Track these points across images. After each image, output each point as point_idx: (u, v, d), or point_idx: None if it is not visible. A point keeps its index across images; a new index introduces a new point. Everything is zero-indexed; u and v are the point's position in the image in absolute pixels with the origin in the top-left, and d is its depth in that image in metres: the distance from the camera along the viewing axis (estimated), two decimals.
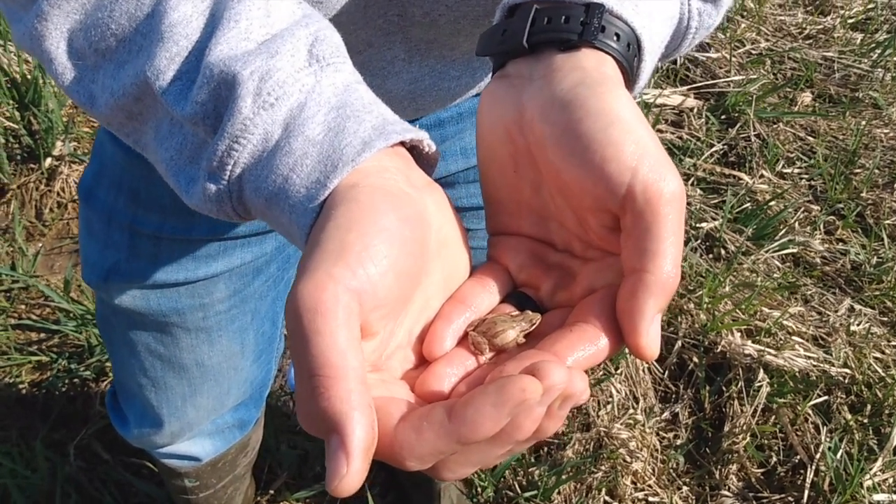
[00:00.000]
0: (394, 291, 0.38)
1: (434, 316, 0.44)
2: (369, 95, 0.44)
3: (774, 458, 1.57)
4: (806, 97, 2.32)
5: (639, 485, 1.51)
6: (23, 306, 1.68)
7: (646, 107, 2.15)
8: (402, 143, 0.43)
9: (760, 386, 1.60)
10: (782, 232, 1.93)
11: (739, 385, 1.61)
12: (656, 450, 1.56)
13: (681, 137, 2.15)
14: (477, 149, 0.47)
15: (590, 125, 0.40)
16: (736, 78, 2.30)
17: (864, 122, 2.25)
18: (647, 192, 0.39)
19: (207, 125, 0.42)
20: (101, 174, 0.76)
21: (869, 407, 1.62)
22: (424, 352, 0.43)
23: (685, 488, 1.52)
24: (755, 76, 2.33)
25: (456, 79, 0.67)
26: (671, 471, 1.55)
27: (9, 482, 1.36)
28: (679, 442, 1.58)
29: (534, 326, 0.44)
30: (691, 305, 1.74)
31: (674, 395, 1.65)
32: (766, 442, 1.59)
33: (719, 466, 1.54)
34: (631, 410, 1.59)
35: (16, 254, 1.74)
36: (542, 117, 0.42)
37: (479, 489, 1.51)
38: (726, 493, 1.52)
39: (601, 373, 1.65)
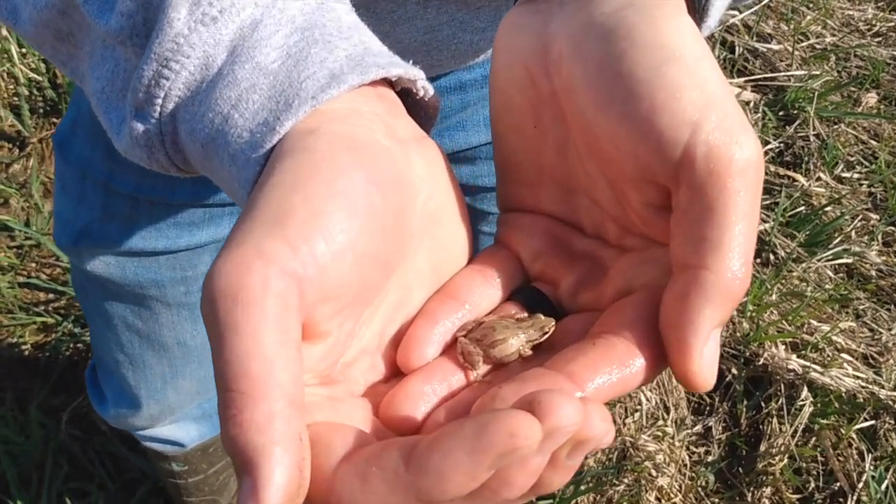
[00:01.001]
0: (354, 278, 0.29)
1: (415, 313, 0.34)
2: (350, 18, 0.34)
3: (812, 484, 1.49)
4: (871, 98, 2.19)
5: (663, 501, 1.44)
6: (33, 264, 1.63)
7: None
8: (389, 83, 0.34)
9: (803, 405, 1.52)
10: (837, 240, 1.83)
11: (780, 402, 1.54)
12: (685, 465, 1.48)
13: None
14: (490, 96, 0.37)
15: (637, 61, 0.31)
16: (797, 73, 2.19)
17: None
18: (713, 156, 0.29)
19: (136, 45, 0.33)
20: (77, 123, 0.68)
21: None
22: (399, 361, 0.33)
23: None
24: (818, 72, 2.21)
25: (480, 31, 0.57)
26: (699, 489, 1.48)
27: None
28: (710, 459, 1.50)
29: (546, 336, 0.34)
30: (734, 312, 1.63)
31: (708, 408, 1.58)
32: (804, 465, 1.51)
33: (752, 488, 1.47)
34: (660, 421, 1.51)
35: (31, 209, 1.69)
36: (573, 51, 0.32)
37: None
38: None
39: None
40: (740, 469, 1.50)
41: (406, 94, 0.36)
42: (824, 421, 1.52)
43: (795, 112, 2.11)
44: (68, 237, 0.71)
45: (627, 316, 0.31)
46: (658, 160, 0.30)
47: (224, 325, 0.25)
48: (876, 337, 1.66)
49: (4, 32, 1.79)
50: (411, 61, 0.35)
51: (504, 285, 0.36)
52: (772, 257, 1.78)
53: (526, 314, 0.36)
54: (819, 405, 1.53)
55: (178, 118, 0.33)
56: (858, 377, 1.56)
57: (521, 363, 0.34)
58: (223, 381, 0.25)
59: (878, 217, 1.91)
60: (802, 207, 1.89)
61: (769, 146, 2.04)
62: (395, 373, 0.34)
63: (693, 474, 1.48)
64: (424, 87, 0.35)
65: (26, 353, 1.51)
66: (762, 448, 1.49)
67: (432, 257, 0.34)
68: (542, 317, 0.35)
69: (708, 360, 0.30)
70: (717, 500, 1.45)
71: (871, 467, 1.47)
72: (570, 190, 0.37)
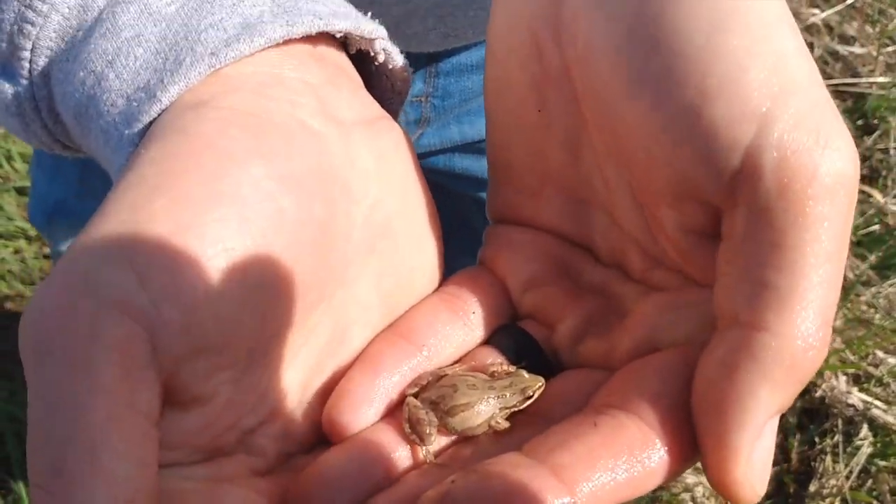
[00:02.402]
0: (247, 318, 0.22)
1: (352, 359, 0.26)
2: None
3: None
4: None
5: None
6: None
7: None
8: (336, 40, 0.26)
9: (861, 443, 1.44)
10: None
11: (836, 438, 1.46)
12: (726, 501, 1.38)
13: None
14: (485, 68, 0.29)
15: (681, 24, 0.22)
16: (880, 79, 2.07)
17: None
18: (787, 167, 0.21)
19: None
20: None
21: None
22: (324, 423, 0.25)
23: None
24: None
25: None
26: None
27: (5, 426, 1.27)
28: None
29: (529, 402, 0.25)
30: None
31: None
32: None
33: None
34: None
35: None
36: (593, 8, 0.24)
37: None
38: None
39: None
40: None
41: (365, 58, 0.27)
42: (884, 463, 1.43)
43: (876, 122, 1.99)
44: (42, 214, 0.65)
45: (648, 384, 0.23)
46: (706, 169, 0.22)
47: (33, 390, 0.18)
48: None
49: None
50: (421, 29, 0.26)
51: (481, 323, 0.27)
52: None
53: (505, 366, 0.26)
54: (879, 445, 1.44)
55: (52, 78, 0.25)
56: None
57: (492, 439, 0.25)
58: (31, 470, 0.18)
59: None
60: (876, 226, 1.79)
61: None
62: (321, 439, 0.25)
63: None
64: (386, 51, 0.26)
65: None
66: (812, 488, 1.42)
67: (381, 284, 0.26)
68: (526, 374, 0.26)
69: (758, 465, 0.22)
70: None
71: None
72: (582, 201, 0.28)
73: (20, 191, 1.57)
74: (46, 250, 1.56)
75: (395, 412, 0.25)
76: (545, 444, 0.22)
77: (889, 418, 1.45)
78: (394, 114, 0.29)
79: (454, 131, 0.61)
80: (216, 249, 0.21)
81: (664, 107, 0.23)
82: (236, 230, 0.21)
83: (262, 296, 0.22)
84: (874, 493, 1.41)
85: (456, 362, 0.27)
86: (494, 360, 0.27)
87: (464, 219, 0.61)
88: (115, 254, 0.20)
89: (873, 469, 1.43)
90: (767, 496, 1.40)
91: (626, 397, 0.23)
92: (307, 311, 0.24)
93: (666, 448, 0.22)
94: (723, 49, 0.22)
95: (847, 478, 1.41)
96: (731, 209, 0.22)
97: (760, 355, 0.21)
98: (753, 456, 0.22)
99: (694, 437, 0.22)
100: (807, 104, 0.21)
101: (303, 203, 0.22)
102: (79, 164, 0.62)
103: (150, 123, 0.23)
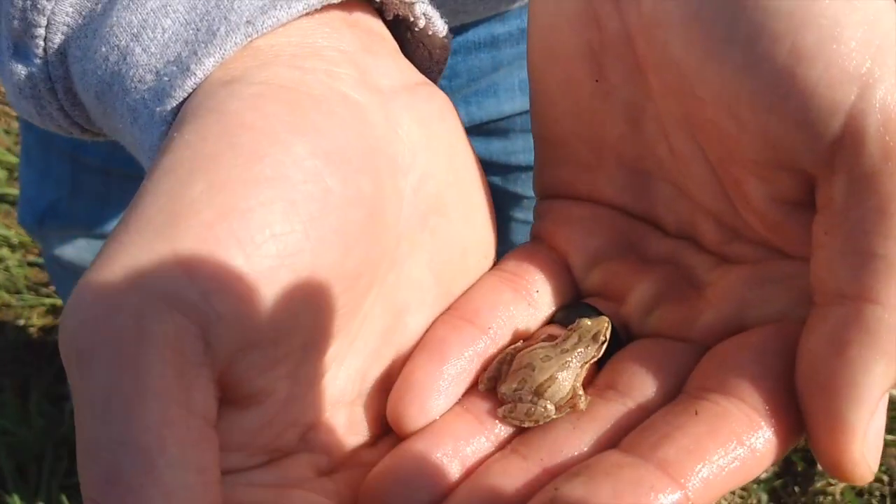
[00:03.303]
0: (299, 307, 0.20)
1: (412, 345, 0.24)
2: None
3: None
4: None
5: None
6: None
7: None
8: (373, 8, 0.25)
9: None
10: None
11: None
12: None
13: None
14: (528, 38, 0.27)
15: None
16: None
17: None
18: (892, 129, 0.20)
19: None
20: None
21: None
22: (389, 415, 0.23)
23: None
24: None
25: None
26: None
27: None
28: (764, 476, 1.38)
29: (605, 347, 0.24)
30: None
31: None
32: (867, 486, 1.37)
33: None
34: None
35: None
36: None
37: None
38: None
39: None
40: (796, 488, 1.40)
41: (401, 25, 0.25)
42: (890, 437, 1.40)
43: None
44: (32, 216, 0.62)
45: (746, 365, 0.22)
46: (802, 136, 0.20)
47: (80, 397, 0.17)
48: None
49: None
50: (427, 2, 0.25)
51: (546, 301, 0.26)
52: None
53: (572, 334, 0.25)
54: (887, 419, 1.44)
55: (69, 56, 0.23)
56: None
57: (576, 423, 0.23)
58: (84, 482, 0.17)
59: None
60: None
61: None
62: (385, 430, 0.23)
63: (744, 492, 1.39)
64: (426, 15, 0.24)
65: (32, 335, 1.46)
66: (820, 466, 1.41)
67: (434, 262, 0.24)
68: (587, 320, 0.24)
69: (874, 443, 0.21)
70: None
71: None
72: (644, 173, 0.26)
73: (1, 198, 1.54)
74: (31, 258, 1.53)
75: (463, 400, 0.23)
76: (647, 438, 0.21)
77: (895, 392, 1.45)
78: (434, 82, 0.27)
79: (461, 113, 0.59)
80: (264, 236, 0.19)
81: (754, 70, 0.21)
82: (283, 214, 0.19)
83: (314, 283, 0.20)
84: (882, 468, 1.40)
85: (525, 341, 0.25)
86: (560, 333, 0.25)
87: None
88: (157, 245, 0.18)
89: (884, 444, 1.44)
90: (775, 474, 1.39)
91: (724, 380, 0.22)
92: (361, 295, 0.22)
93: (772, 430, 0.21)
94: (818, 5, 0.20)
95: None
96: (828, 177, 0.21)
97: (873, 329, 0.20)
98: (869, 433, 0.21)
99: (798, 417, 0.22)
100: None
101: (349, 180, 0.21)
102: (69, 165, 0.59)
103: (184, 101, 0.21)
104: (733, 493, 1.37)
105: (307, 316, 0.20)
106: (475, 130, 0.60)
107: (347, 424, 0.23)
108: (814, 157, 0.21)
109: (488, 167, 0.63)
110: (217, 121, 0.20)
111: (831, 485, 1.37)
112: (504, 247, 0.46)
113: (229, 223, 0.18)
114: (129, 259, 0.18)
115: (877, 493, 1.39)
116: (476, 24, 0.53)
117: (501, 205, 0.61)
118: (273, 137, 0.20)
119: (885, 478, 1.41)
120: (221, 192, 0.19)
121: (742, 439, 0.21)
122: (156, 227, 0.18)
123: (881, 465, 1.41)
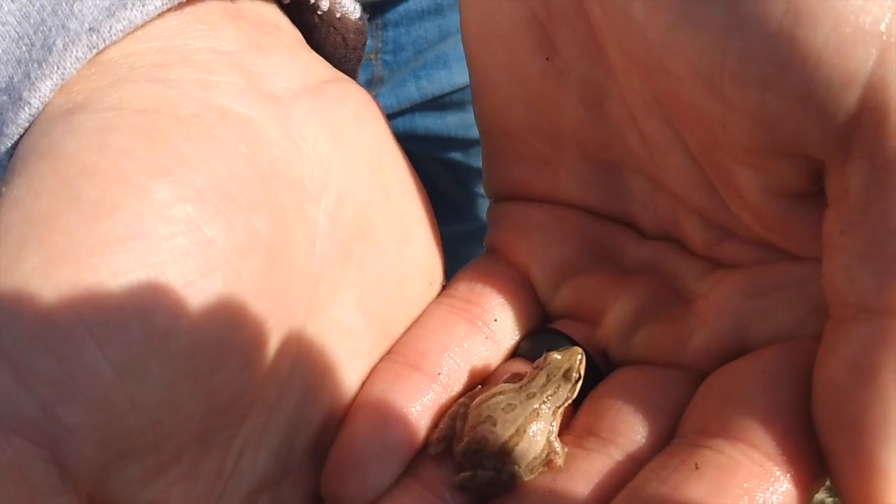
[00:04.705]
0: (181, 396, 0.16)
1: (347, 402, 0.20)
2: None
3: None
4: None
5: None
6: None
7: None
8: None
9: None
10: None
11: None
12: None
13: None
14: (461, 8, 0.23)
15: None
16: None
17: None
18: None
19: None
20: None
21: None
22: (325, 497, 0.19)
23: None
24: None
25: None
26: None
27: None
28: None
29: (580, 383, 0.20)
30: None
31: None
32: None
33: None
34: None
35: None
36: None
37: None
38: None
39: None
40: None
41: (303, 8, 0.21)
42: None
43: None
44: None
45: (752, 399, 0.18)
46: (807, 114, 0.16)
47: None
48: None
49: None
50: None
51: (507, 331, 0.22)
52: None
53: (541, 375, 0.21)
54: None
55: None
56: None
57: (551, 479, 0.19)
58: None
59: None
60: None
61: None
62: None
63: None
64: None
65: None
66: None
67: (365, 300, 0.20)
68: (556, 354, 0.20)
69: None
70: None
71: None
72: (613, 166, 0.23)
73: None
74: None
75: (413, 467, 0.20)
76: (636, 500, 0.17)
77: None
78: (350, 74, 0.23)
79: (411, 88, 0.56)
80: (123, 316, 0.15)
81: (741, 34, 0.17)
82: (146, 283, 0.15)
83: (201, 362, 0.16)
84: None
85: (484, 383, 0.21)
86: (525, 370, 0.21)
87: (434, 186, 0.55)
88: None
89: None
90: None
91: (727, 421, 0.18)
92: (271, 359, 0.18)
93: (791, 481, 0.18)
94: None
95: None
96: (841, 164, 0.17)
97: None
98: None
99: (819, 459, 0.18)
100: None
101: (236, 223, 0.17)
102: None
103: (21, 139, 0.17)
104: None
105: (195, 403, 0.16)
106: (429, 105, 0.56)
107: None
108: (822, 141, 0.17)
109: (447, 143, 0.59)
110: (53, 169, 0.15)
111: None
112: (474, 224, 0.42)
113: (73, 309, 0.14)
114: None
115: None
116: None
117: (466, 181, 0.57)
118: (124, 183, 0.15)
119: None
120: (60, 267, 0.15)
121: (755, 497, 0.17)
122: None
123: None
